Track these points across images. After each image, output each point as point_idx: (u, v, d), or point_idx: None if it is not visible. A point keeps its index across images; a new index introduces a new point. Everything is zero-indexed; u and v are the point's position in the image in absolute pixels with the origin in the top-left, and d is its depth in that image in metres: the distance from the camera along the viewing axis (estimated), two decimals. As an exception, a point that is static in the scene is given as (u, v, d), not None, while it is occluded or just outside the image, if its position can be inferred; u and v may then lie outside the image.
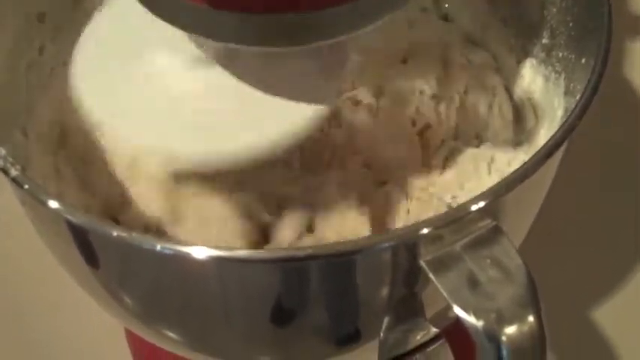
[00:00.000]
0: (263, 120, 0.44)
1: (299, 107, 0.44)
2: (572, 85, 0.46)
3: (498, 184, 0.37)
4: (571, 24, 0.47)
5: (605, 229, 0.60)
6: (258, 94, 0.45)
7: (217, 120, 0.45)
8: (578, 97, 0.40)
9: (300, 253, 0.37)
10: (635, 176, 0.63)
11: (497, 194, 0.37)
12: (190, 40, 0.44)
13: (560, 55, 0.48)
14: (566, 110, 0.46)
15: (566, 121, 0.39)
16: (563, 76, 0.48)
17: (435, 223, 0.36)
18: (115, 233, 0.36)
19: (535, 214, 0.45)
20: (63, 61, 0.51)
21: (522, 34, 0.52)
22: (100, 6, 0.50)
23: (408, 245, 0.36)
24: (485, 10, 0.54)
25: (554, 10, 0.49)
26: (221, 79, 0.45)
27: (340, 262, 0.37)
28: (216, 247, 0.36)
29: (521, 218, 0.43)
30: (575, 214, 0.60)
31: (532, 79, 0.51)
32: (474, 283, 0.36)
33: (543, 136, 0.49)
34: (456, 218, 0.36)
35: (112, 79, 0.47)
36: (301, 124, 0.44)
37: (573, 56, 0.47)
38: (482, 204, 0.36)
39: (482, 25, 0.55)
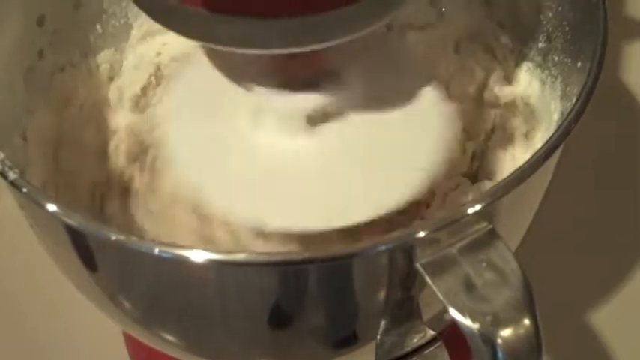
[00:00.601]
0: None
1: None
2: (568, 88, 0.46)
3: (494, 187, 0.37)
4: (567, 28, 0.48)
5: (601, 232, 0.60)
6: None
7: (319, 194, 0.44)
8: (573, 101, 0.40)
9: (298, 257, 0.37)
10: (632, 179, 0.64)
11: (493, 197, 0.37)
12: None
13: (557, 58, 0.49)
14: (562, 114, 0.46)
15: (561, 125, 0.39)
16: (559, 79, 0.48)
17: (431, 226, 0.36)
18: (113, 237, 0.36)
19: (531, 217, 0.45)
20: (62, 66, 0.51)
21: (519, 38, 0.52)
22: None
23: (405, 248, 0.37)
24: (482, 13, 0.55)
25: (550, 14, 0.49)
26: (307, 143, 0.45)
27: (337, 266, 0.37)
28: (214, 251, 0.36)
29: (517, 221, 0.44)
30: (572, 217, 0.61)
31: (528, 82, 0.52)
32: (470, 286, 0.36)
33: (540, 139, 0.49)
34: (452, 221, 0.37)
35: (201, 139, 0.46)
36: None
37: (569, 60, 0.47)
38: (478, 207, 0.37)
39: (479, 28, 0.55)
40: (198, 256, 0.36)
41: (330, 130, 0.45)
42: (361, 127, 0.45)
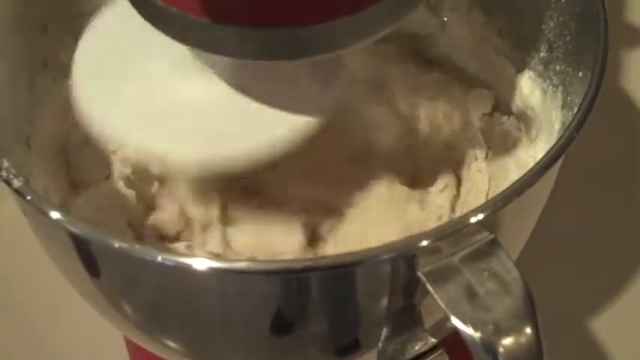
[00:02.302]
0: (258, 129, 0.45)
1: (293, 117, 0.45)
2: (569, 98, 0.46)
3: (496, 196, 0.38)
4: (568, 37, 0.48)
5: (602, 240, 0.60)
6: (253, 105, 0.46)
7: (217, 126, 0.46)
8: (575, 111, 0.40)
9: (299, 265, 0.37)
10: (633, 187, 0.64)
11: (495, 207, 0.37)
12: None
13: (558, 68, 0.49)
14: (563, 124, 0.46)
15: (563, 135, 0.39)
16: (560, 89, 0.48)
17: (433, 235, 0.37)
18: (116, 244, 0.37)
19: (532, 226, 0.45)
20: (65, 73, 0.52)
21: (520, 47, 0.52)
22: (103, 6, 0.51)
23: (407, 257, 0.37)
24: (482, 23, 0.55)
25: (552, 24, 0.49)
26: (217, 87, 0.46)
27: (339, 274, 0.37)
28: (217, 259, 0.37)
29: (518, 230, 0.44)
30: (573, 225, 0.60)
31: (530, 91, 0.52)
32: (471, 294, 0.36)
33: (541, 149, 0.49)
34: (454, 231, 0.37)
35: (116, 86, 0.48)
36: (293, 132, 0.45)
37: (570, 69, 0.47)
38: (480, 217, 0.37)
39: (480, 38, 0.55)
40: (200, 264, 0.36)
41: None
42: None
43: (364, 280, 0.38)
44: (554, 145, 0.39)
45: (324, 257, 0.38)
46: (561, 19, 0.48)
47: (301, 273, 0.37)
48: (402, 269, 0.37)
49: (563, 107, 0.47)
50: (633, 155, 0.65)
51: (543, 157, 0.39)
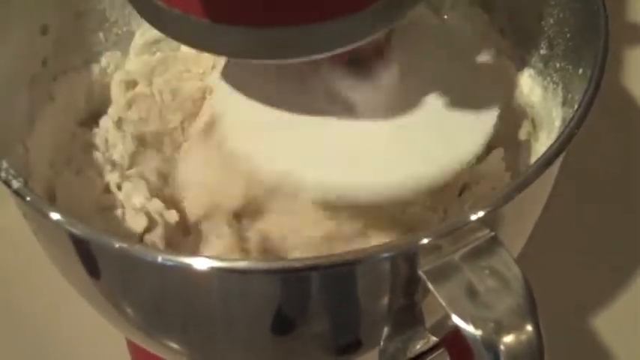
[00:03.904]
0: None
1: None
2: (569, 95, 0.47)
3: (497, 194, 0.38)
4: (568, 35, 0.48)
5: (603, 237, 0.60)
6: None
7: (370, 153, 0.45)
8: (575, 108, 0.40)
9: (300, 264, 0.37)
10: (634, 185, 0.64)
11: (495, 205, 0.37)
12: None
13: (558, 65, 0.49)
14: (564, 120, 0.46)
15: (563, 132, 0.39)
16: (560, 86, 0.48)
17: (434, 233, 0.37)
18: (116, 245, 0.37)
19: (533, 224, 0.45)
20: (64, 73, 0.52)
21: (521, 45, 0.52)
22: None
23: (408, 255, 0.37)
24: (483, 21, 0.55)
25: (552, 21, 0.49)
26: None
27: (340, 273, 0.37)
28: (217, 258, 0.37)
29: (519, 228, 0.44)
30: (574, 223, 0.60)
31: (531, 89, 0.52)
32: (472, 292, 0.36)
33: (542, 145, 0.49)
34: (454, 228, 0.37)
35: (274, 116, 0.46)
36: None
37: (571, 67, 0.47)
38: (480, 214, 0.37)
39: (481, 36, 0.55)
40: (201, 263, 0.36)
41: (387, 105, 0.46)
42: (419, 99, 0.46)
43: (365, 279, 0.38)
44: (555, 142, 0.39)
45: (324, 256, 0.38)
46: (561, 15, 0.48)
47: (302, 272, 0.37)
48: (403, 268, 0.37)
49: (563, 104, 0.47)
50: (634, 152, 0.65)
51: (543, 154, 0.39)
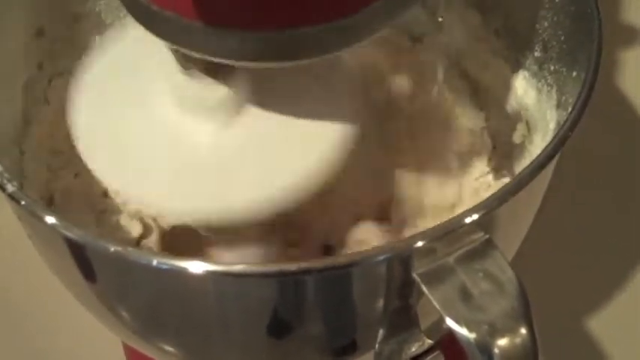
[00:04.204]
0: (280, 169, 0.44)
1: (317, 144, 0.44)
2: (563, 98, 0.46)
3: (491, 196, 0.38)
4: (562, 37, 0.48)
5: (597, 239, 0.60)
6: (272, 131, 0.44)
7: (234, 169, 0.44)
8: (569, 110, 0.40)
9: (294, 267, 0.37)
10: (629, 187, 0.64)
11: (490, 207, 0.37)
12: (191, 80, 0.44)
13: (552, 68, 0.49)
14: (558, 123, 0.46)
15: (557, 134, 0.39)
16: (555, 89, 0.48)
17: (428, 235, 0.36)
18: (112, 248, 0.37)
19: (528, 226, 0.45)
20: (60, 76, 0.51)
21: (515, 47, 0.52)
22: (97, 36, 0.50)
23: (402, 258, 0.37)
24: (478, 23, 0.55)
25: (546, 23, 0.49)
26: (228, 124, 0.44)
27: (335, 276, 0.37)
28: (213, 262, 0.36)
29: (514, 230, 0.44)
30: (568, 225, 0.61)
31: (525, 91, 0.52)
32: (466, 295, 0.36)
33: (536, 148, 0.49)
34: (448, 231, 0.37)
35: (115, 124, 0.46)
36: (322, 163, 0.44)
37: (565, 69, 0.47)
38: (475, 217, 0.37)
39: (475, 38, 0.55)
40: (196, 267, 0.36)
41: (243, 122, 0.44)
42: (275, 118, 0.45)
43: (360, 281, 0.38)
44: (549, 144, 0.39)
45: (318, 259, 0.38)
46: (555, 18, 0.48)
47: (297, 275, 0.37)
48: (397, 270, 0.37)
49: (557, 107, 0.47)
50: (628, 154, 0.65)
51: (537, 156, 0.39)
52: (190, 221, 0.44)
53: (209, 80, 0.43)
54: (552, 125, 0.47)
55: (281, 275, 0.37)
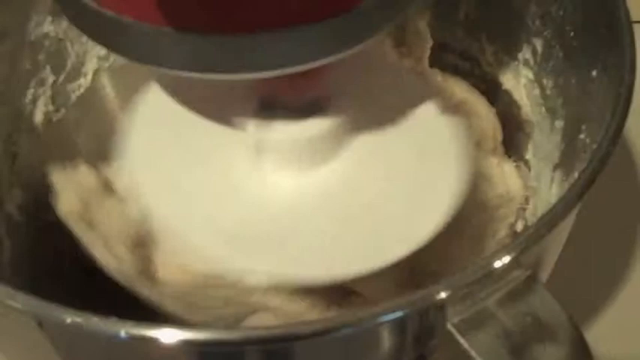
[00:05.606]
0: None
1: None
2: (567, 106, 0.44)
3: (530, 229, 0.33)
4: (566, 42, 0.45)
5: (593, 239, 0.57)
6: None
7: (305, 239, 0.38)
8: (604, 130, 0.36)
9: (281, 332, 0.32)
10: (623, 193, 0.61)
11: (530, 241, 0.32)
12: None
13: (555, 73, 0.46)
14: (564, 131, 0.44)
15: (594, 158, 0.35)
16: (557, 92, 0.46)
17: (461, 279, 0.31)
18: (68, 319, 0.31)
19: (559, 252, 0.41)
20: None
21: (512, 50, 0.50)
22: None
23: (433, 308, 0.32)
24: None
25: (551, 25, 0.46)
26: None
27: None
28: (183, 329, 0.31)
29: (550, 260, 0.39)
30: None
31: (527, 96, 0.49)
32: (511, 344, 0.31)
33: (530, 152, 0.47)
34: (485, 272, 0.32)
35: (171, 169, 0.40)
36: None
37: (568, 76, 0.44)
38: (515, 252, 0.32)
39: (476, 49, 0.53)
40: (167, 335, 0.31)
41: (332, 167, 0.39)
42: (366, 159, 0.40)
43: (386, 338, 0.33)
44: (585, 167, 0.35)
45: (317, 320, 0.32)
46: (559, 20, 0.45)
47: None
48: (428, 322, 0.32)
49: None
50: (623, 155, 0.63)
51: (574, 182, 0.34)
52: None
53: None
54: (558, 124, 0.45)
55: (265, 342, 0.31)
